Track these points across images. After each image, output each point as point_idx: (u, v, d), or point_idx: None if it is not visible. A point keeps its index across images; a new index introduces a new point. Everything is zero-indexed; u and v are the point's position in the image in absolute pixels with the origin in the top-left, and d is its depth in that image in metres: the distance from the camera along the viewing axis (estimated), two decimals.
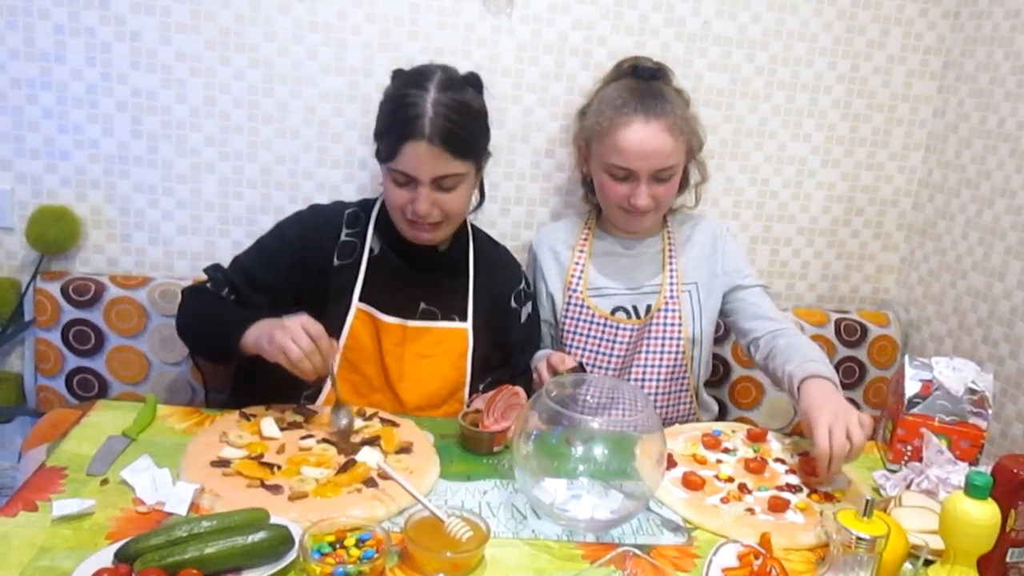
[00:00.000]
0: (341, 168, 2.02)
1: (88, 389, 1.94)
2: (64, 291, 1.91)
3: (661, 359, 1.79)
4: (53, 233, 1.92)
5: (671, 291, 1.80)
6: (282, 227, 1.69)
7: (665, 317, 1.79)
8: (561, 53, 2.02)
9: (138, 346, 1.94)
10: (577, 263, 1.84)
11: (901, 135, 2.22)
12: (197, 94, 1.93)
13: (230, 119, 1.95)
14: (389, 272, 1.66)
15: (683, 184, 1.86)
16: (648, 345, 1.79)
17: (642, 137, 1.67)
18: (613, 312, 1.81)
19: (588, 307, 1.80)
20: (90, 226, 1.99)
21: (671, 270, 1.82)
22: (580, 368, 1.59)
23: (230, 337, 1.47)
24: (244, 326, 1.46)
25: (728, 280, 1.84)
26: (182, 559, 1.05)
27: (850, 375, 2.24)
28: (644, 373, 1.80)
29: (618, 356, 1.79)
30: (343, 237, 1.66)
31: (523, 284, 1.83)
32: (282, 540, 1.11)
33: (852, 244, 2.30)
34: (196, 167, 1.98)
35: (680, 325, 1.79)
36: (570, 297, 1.82)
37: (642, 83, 1.75)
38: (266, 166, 1.99)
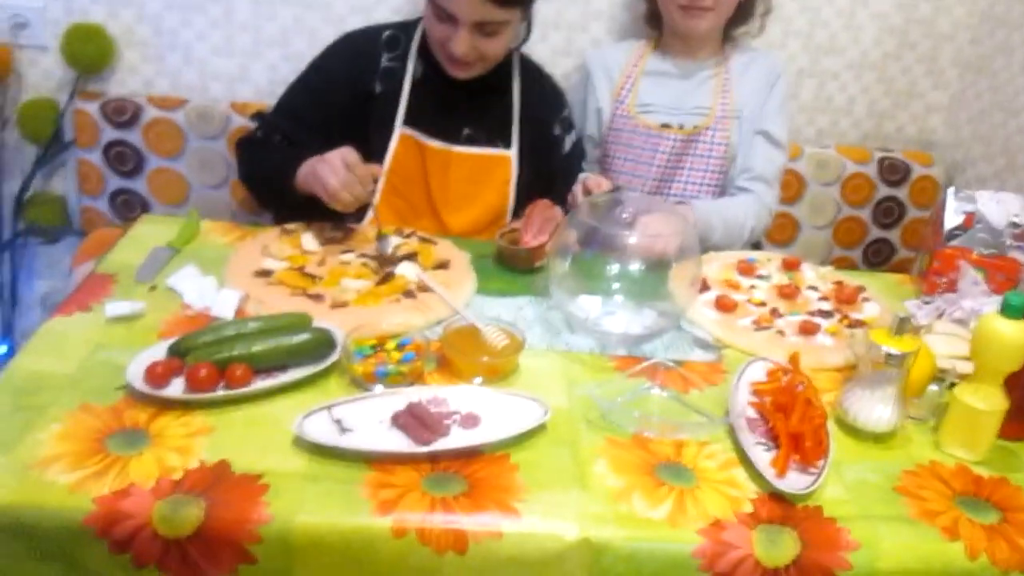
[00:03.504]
0: None
1: (131, 209, 1.98)
2: (103, 111, 1.91)
3: (704, 176, 1.78)
4: (88, 51, 1.91)
5: (722, 112, 1.77)
6: (320, 63, 1.66)
7: (712, 136, 1.77)
8: None
9: (177, 168, 1.96)
10: (628, 77, 1.81)
11: None
12: None
13: None
14: (433, 96, 1.64)
15: (748, 12, 1.81)
16: (691, 162, 1.78)
17: None
18: (660, 127, 1.79)
19: (633, 118, 1.78)
20: (123, 46, 1.96)
21: (724, 94, 1.78)
22: (616, 190, 1.59)
23: (284, 180, 1.49)
24: (295, 165, 1.48)
25: (759, 121, 1.80)
26: (230, 355, 1.10)
27: (889, 215, 2.21)
28: (685, 189, 1.79)
29: (659, 166, 1.77)
30: (384, 63, 1.64)
31: (566, 112, 1.81)
32: (325, 341, 1.16)
33: (902, 81, 2.21)
34: None
35: (726, 146, 1.77)
36: (617, 109, 1.80)
37: None
38: None
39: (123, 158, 1.94)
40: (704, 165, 1.78)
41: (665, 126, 1.78)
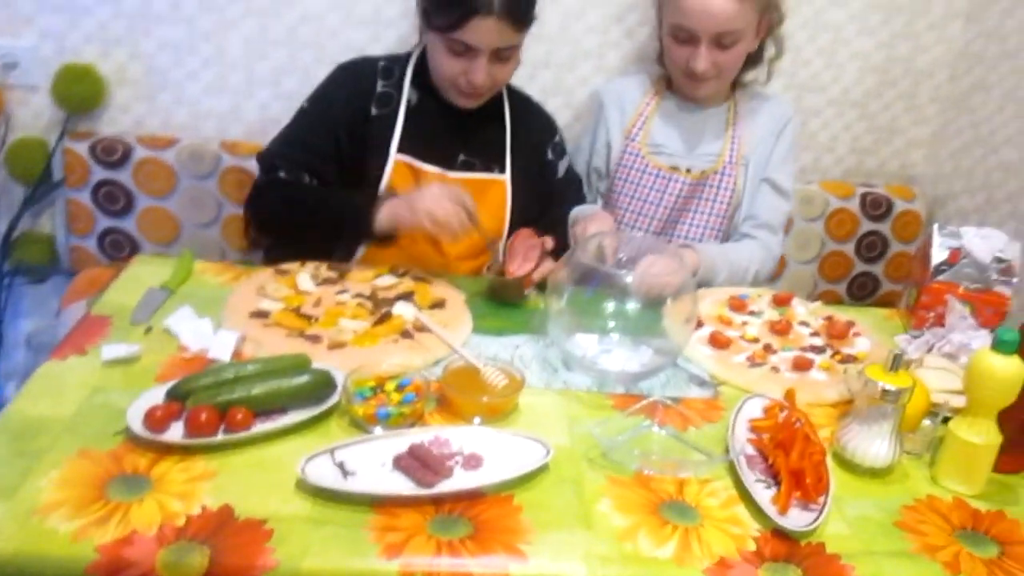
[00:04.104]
0: (368, 27, 1.97)
1: (120, 249, 1.97)
2: (93, 151, 1.91)
3: (709, 220, 1.79)
4: (79, 91, 1.91)
5: (730, 158, 1.79)
6: (320, 92, 1.69)
7: (720, 180, 1.78)
8: None
9: (168, 207, 1.96)
10: (641, 115, 1.82)
11: (941, 3, 2.14)
12: None
13: None
14: (427, 122, 1.67)
15: (757, 58, 1.82)
16: (698, 205, 1.79)
17: None
18: (669, 168, 1.80)
19: (644, 157, 1.79)
20: (115, 85, 1.96)
21: (733, 139, 1.80)
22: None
23: (360, 222, 1.54)
24: (374, 207, 1.53)
25: (766, 168, 1.82)
26: (230, 398, 1.10)
27: (872, 249, 2.25)
28: (689, 232, 1.80)
29: (667, 208, 1.78)
30: (379, 88, 1.67)
31: (558, 137, 1.85)
32: (325, 383, 1.16)
33: (883, 117, 2.25)
34: (220, 25, 1.94)
35: (733, 191, 1.79)
36: (627, 145, 1.81)
37: None
38: (291, 25, 1.95)
39: (113, 197, 1.94)
40: (710, 209, 1.79)
41: (674, 168, 1.79)
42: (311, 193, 1.64)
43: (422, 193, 1.49)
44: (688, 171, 1.79)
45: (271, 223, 1.69)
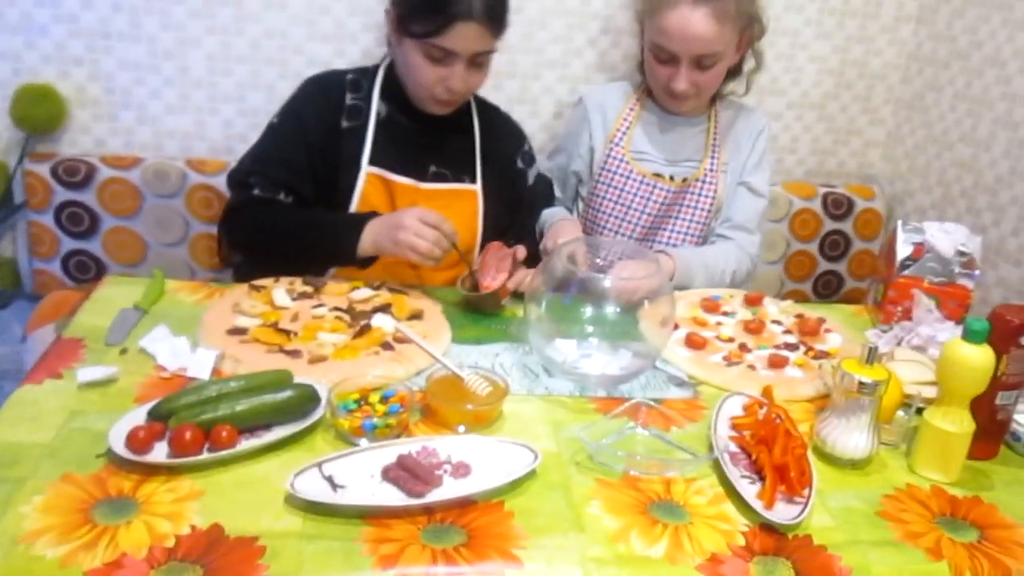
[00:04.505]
0: (332, 42, 1.97)
1: (85, 271, 1.94)
2: (54, 172, 1.88)
3: (690, 227, 1.82)
4: (38, 112, 1.88)
5: (711, 165, 1.82)
6: (290, 106, 1.68)
7: (701, 188, 1.81)
8: None
9: (134, 227, 1.93)
10: (625, 121, 1.84)
11: (893, 6, 2.21)
12: None
13: None
14: (397, 135, 1.67)
15: (736, 71, 1.86)
16: (680, 211, 1.82)
17: (685, 20, 1.65)
18: (652, 175, 1.83)
19: (628, 163, 1.81)
20: (75, 105, 1.94)
21: (714, 147, 1.83)
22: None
23: (342, 247, 1.53)
24: (356, 230, 1.52)
25: (742, 174, 1.86)
26: (215, 416, 1.09)
27: (835, 248, 2.30)
28: (671, 238, 1.83)
29: (650, 214, 1.81)
30: (349, 101, 1.66)
31: (526, 146, 1.86)
32: (309, 397, 1.15)
33: (841, 119, 2.31)
34: (182, 42, 1.92)
35: (714, 198, 1.82)
36: (611, 150, 1.83)
37: None
38: (254, 41, 1.94)
39: (76, 219, 1.91)
40: (691, 216, 1.82)
41: (657, 175, 1.82)
42: (290, 214, 1.62)
43: (402, 222, 1.47)
44: (671, 178, 1.81)
45: (248, 245, 1.68)
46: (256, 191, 1.61)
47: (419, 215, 1.48)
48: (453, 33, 1.52)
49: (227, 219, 1.66)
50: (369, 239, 1.52)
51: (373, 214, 1.56)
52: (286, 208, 1.63)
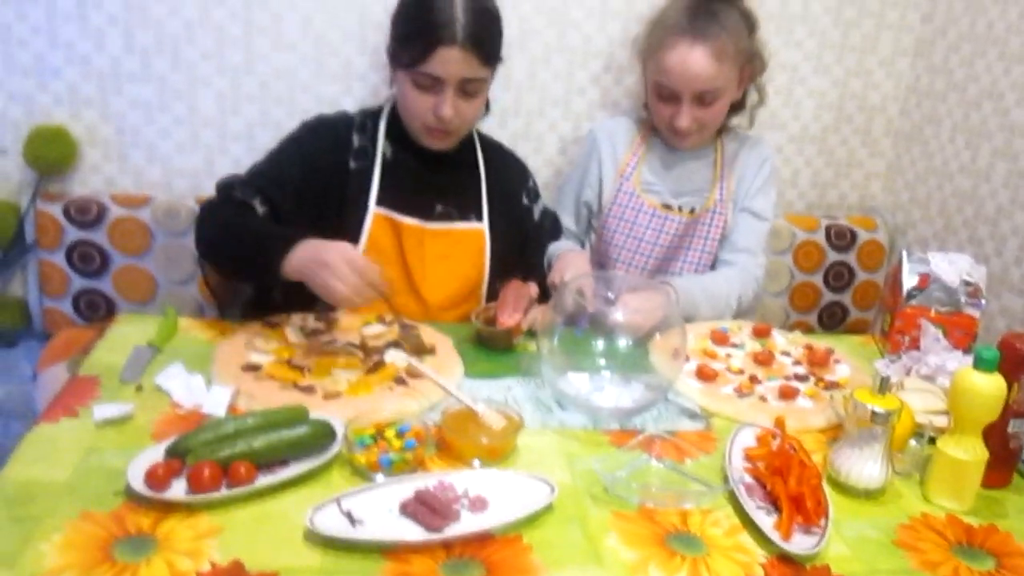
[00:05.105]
0: (339, 82, 2.00)
1: (96, 310, 1.95)
2: (66, 212, 1.90)
3: (701, 258, 1.84)
4: (50, 153, 1.90)
5: (720, 196, 1.84)
6: (298, 136, 1.69)
7: (711, 219, 1.83)
8: None
9: (144, 265, 1.94)
10: (634, 155, 1.86)
11: (890, 41, 2.24)
12: (190, 6, 1.89)
13: (225, 32, 1.93)
14: (404, 175, 1.69)
15: (740, 105, 1.89)
16: (691, 243, 1.84)
17: (685, 59, 1.69)
18: (663, 207, 1.84)
19: (638, 196, 1.83)
20: (86, 145, 1.96)
21: (722, 179, 1.85)
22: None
23: (269, 262, 1.40)
24: (285, 249, 1.39)
25: (747, 200, 1.88)
26: (232, 452, 1.09)
27: (839, 279, 2.31)
28: (682, 269, 1.84)
29: (661, 246, 1.83)
30: (356, 142, 1.68)
31: (531, 182, 1.88)
32: (325, 433, 1.16)
33: (841, 151, 2.34)
34: (192, 82, 1.95)
35: (723, 228, 1.84)
36: (621, 184, 1.85)
37: (703, 2, 1.74)
38: (264, 80, 1.97)
39: (87, 258, 1.92)
40: (703, 246, 1.84)
41: (667, 207, 1.84)
42: (243, 219, 1.55)
43: (325, 259, 1.34)
44: (680, 210, 1.83)
45: (209, 249, 1.58)
46: (235, 193, 1.57)
47: (345, 256, 1.35)
48: (436, 59, 1.53)
49: (197, 221, 1.59)
50: (294, 263, 1.38)
51: (304, 234, 1.42)
52: (247, 214, 1.56)
